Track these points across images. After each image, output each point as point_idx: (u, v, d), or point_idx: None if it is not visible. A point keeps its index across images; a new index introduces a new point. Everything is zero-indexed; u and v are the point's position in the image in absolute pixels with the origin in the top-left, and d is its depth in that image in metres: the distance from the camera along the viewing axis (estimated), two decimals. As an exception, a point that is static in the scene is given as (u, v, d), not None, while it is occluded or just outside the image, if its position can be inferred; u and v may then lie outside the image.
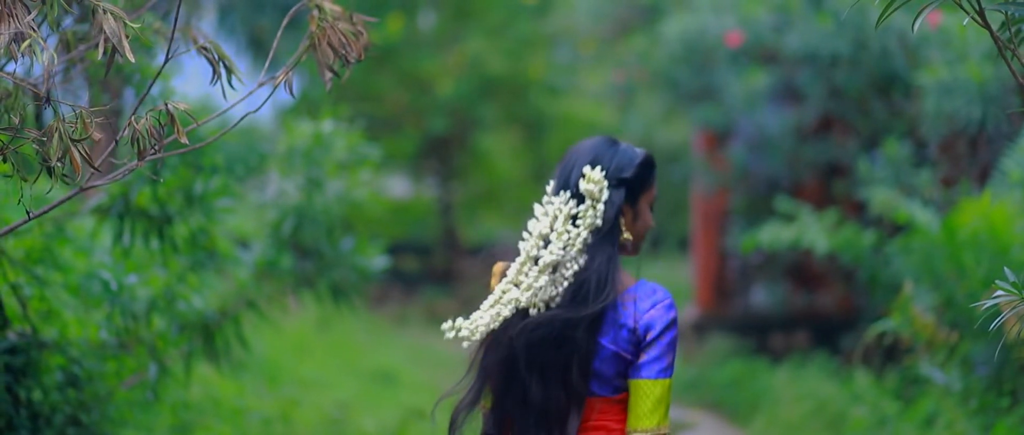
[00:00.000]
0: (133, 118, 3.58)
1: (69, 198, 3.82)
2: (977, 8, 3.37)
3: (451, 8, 19.81)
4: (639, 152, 4.01)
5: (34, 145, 3.72)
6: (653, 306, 3.91)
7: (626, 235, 3.96)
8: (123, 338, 7.01)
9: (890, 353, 9.94)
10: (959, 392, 7.74)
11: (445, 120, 19.38)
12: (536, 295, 3.94)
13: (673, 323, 3.93)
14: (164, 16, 6.24)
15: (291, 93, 3.97)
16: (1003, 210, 7.80)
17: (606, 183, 3.93)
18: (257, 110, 3.99)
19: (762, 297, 13.79)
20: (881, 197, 9.35)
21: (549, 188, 4.06)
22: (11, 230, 3.88)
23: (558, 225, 3.96)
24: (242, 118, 3.98)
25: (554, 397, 3.92)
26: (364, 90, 18.79)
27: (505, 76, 19.41)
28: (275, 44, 4.00)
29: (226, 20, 16.68)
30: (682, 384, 12.58)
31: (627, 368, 3.93)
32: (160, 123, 3.70)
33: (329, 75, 3.94)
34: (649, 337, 3.89)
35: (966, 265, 7.98)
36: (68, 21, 4.78)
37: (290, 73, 3.97)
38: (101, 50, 3.26)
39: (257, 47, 17.00)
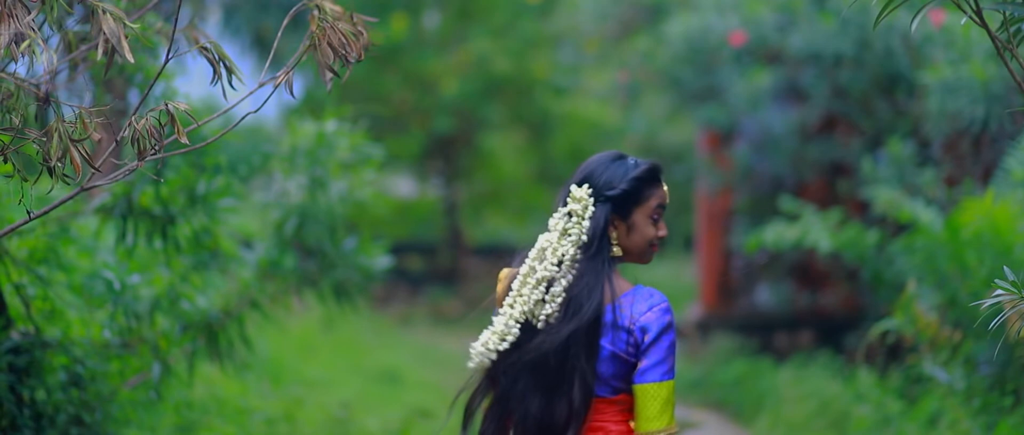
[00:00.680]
0: (133, 118, 3.59)
1: (70, 198, 3.83)
2: (974, 8, 3.37)
3: (456, 8, 19.82)
4: (638, 167, 4.11)
5: (36, 145, 3.73)
6: (649, 309, 4.02)
7: (616, 250, 4.09)
8: (126, 338, 7.02)
9: (894, 352, 9.94)
10: (962, 391, 7.74)
11: (450, 120, 19.39)
12: (534, 310, 4.07)
13: (670, 326, 4.02)
14: (169, 17, 6.26)
15: (291, 93, 3.98)
16: (1006, 209, 7.80)
17: (590, 200, 4.07)
18: (257, 110, 4.00)
19: (766, 296, 13.79)
20: (884, 196, 9.34)
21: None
22: (12, 230, 3.89)
23: (554, 240, 4.11)
24: (242, 118, 3.99)
25: (555, 412, 4.03)
26: (369, 90, 18.81)
27: (510, 76, 19.42)
28: (275, 44, 4.00)
29: (231, 20, 16.74)
30: (686, 383, 12.58)
31: (626, 370, 4.05)
32: (160, 123, 3.71)
33: (329, 75, 3.94)
34: (647, 340, 4.00)
35: (969, 264, 7.98)
36: (72, 22, 4.79)
37: (291, 73, 3.98)
38: (100, 50, 3.27)
39: (262, 47, 17.04)
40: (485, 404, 4.22)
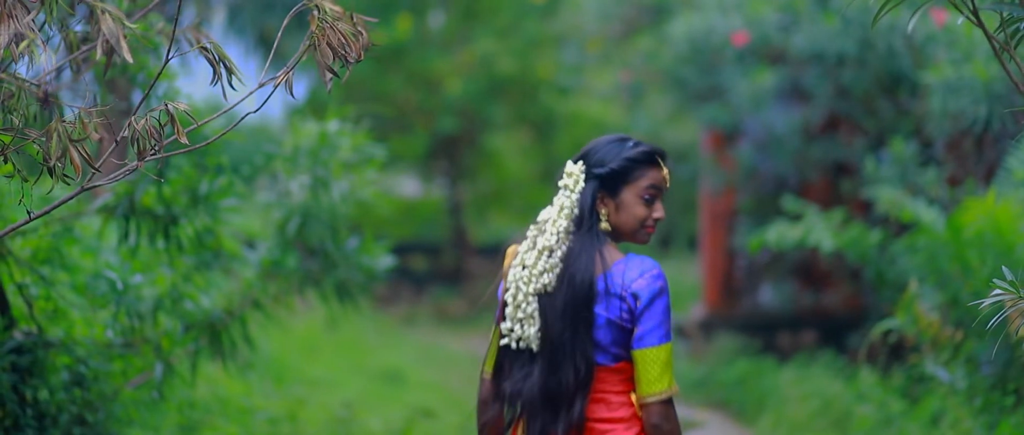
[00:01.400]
0: (133, 119, 3.60)
1: (70, 199, 3.84)
2: (972, 8, 3.38)
3: (460, 8, 19.84)
4: (636, 148, 4.25)
5: (36, 145, 3.74)
6: (640, 275, 4.15)
7: (604, 225, 4.24)
8: (129, 338, 7.03)
9: (896, 352, 9.95)
10: (964, 391, 7.74)
11: (454, 120, 19.41)
12: (537, 278, 4.21)
13: (662, 291, 4.14)
14: (172, 17, 6.27)
15: (291, 93, 3.98)
16: (1007, 209, 7.80)
17: (582, 176, 4.25)
18: (257, 110, 4.01)
19: (769, 296, 13.79)
20: (887, 196, 9.35)
21: None
22: (12, 230, 3.90)
23: (554, 214, 4.28)
24: (241, 118, 4.00)
25: (561, 381, 4.16)
26: (374, 90, 18.84)
27: (514, 76, 19.44)
28: (275, 45, 4.01)
29: (235, 21, 16.75)
30: (690, 383, 12.58)
31: (624, 337, 4.18)
32: (160, 124, 3.72)
33: (329, 75, 3.95)
34: (640, 305, 4.13)
35: (971, 264, 7.98)
36: (76, 23, 4.80)
37: (291, 73, 3.99)
38: (100, 51, 3.29)
39: (266, 47, 17.06)
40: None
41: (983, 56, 8.42)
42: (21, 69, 3.93)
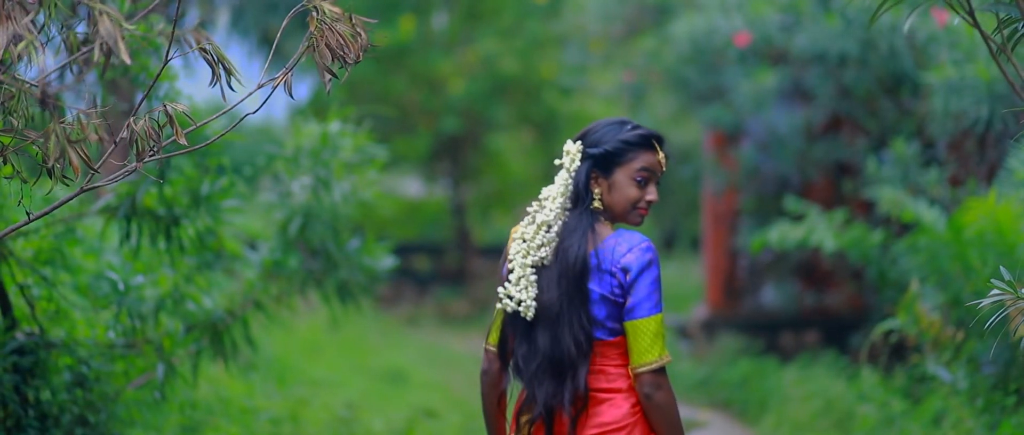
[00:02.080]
0: (132, 120, 3.61)
1: (69, 200, 3.85)
2: (968, 9, 3.38)
3: (463, 9, 19.85)
4: (632, 131, 4.37)
5: (36, 146, 3.75)
6: (630, 250, 4.28)
7: (596, 203, 4.37)
8: (131, 338, 7.04)
9: (898, 352, 9.95)
10: (966, 391, 7.74)
11: (457, 120, 19.42)
12: (534, 251, 4.37)
13: (651, 263, 4.26)
14: (178, 18, 6.29)
15: (290, 94, 3.99)
16: (1009, 209, 7.80)
17: (578, 155, 4.39)
18: (256, 111, 4.02)
19: (772, 296, 13.79)
20: (889, 196, 9.35)
21: None
22: (12, 231, 3.91)
23: (555, 192, 4.43)
24: (240, 119, 4.01)
25: (563, 347, 4.30)
26: (377, 90, 18.86)
27: (517, 76, 19.44)
28: (274, 45, 4.02)
29: (239, 21, 16.76)
30: (692, 383, 12.59)
31: (618, 311, 4.32)
32: (158, 125, 3.73)
33: (328, 76, 3.96)
34: (629, 278, 4.26)
35: (972, 264, 7.99)
36: (79, 24, 4.81)
37: (290, 74, 4.00)
38: (97, 52, 3.30)
39: (270, 48, 17.07)
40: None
41: (985, 56, 8.43)
42: (27, 71, 3.95)
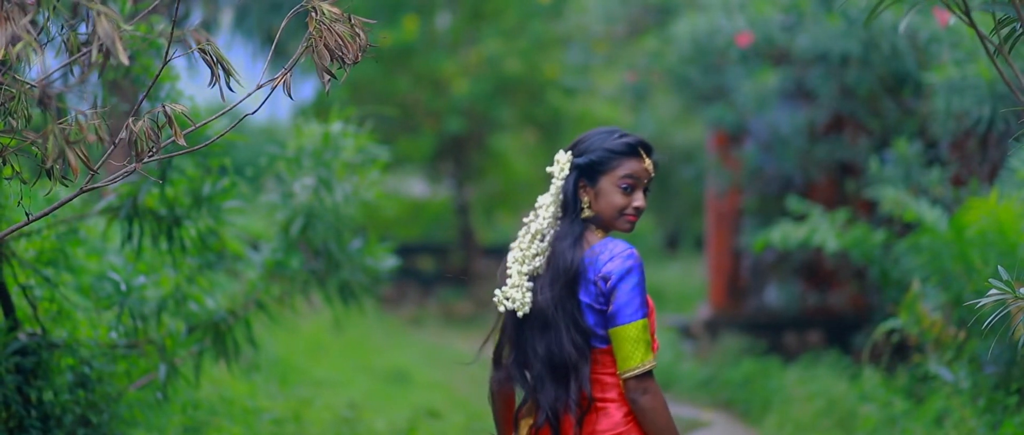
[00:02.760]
0: (131, 120, 3.62)
1: (67, 201, 3.87)
2: (964, 8, 3.39)
3: (467, 9, 19.85)
4: (618, 139, 4.44)
5: (35, 147, 3.76)
6: (611, 258, 4.33)
7: (586, 212, 4.44)
8: (133, 339, 7.05)
9: (901, 352, 9.95)
10: (967, 390, 7.75)
11: (461, 120, 19.42)
12: (529, 260, 4.45)
13: (631, 270, 4.31)
14: (178, 20, 6.30)
15: (289, 95, 4.00)
16: (1010, 209, 7.81)
17: (567, 164, 4.47)
18: (255, 112, 4.03)
19: (775, 296, 13.79)
20: (891, 196, 9.36)
21: None
22: (12, 232, 3.92)
23: (548, 200, 4.52)
24: (240, 120, 4.02)
25: (563, 350, 4.36)
26: (381, 91, 18.86)
27: (521, 76, 19.44)
28: (273, 46, 4.03)
29: (242, 22, 16.77)
30: (695, 383, 12.60)
31: (604, 319, 4.37)
32: (157, 125, 3.74)
33: (326, 77, 3.97)
34: (609, 285, 4.32)
35: (974, 264, 7.99)
36: (81, 24, 4.82)
37: (288, 75, 4.00)
38: (94, 53, 3.30)
39: (275, 49, 17.04)
40: (505, 356, 4.58)
41: (987, 56, 8.42)
42: (29, 72, 3.96)
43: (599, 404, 4.38)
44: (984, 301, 3.96)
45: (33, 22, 3.62)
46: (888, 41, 10.26)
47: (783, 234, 10.96)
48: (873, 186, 10.27)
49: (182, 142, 3.75)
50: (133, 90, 6.87)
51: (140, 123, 3.65)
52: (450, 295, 20.21)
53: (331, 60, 3.94)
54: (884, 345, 9.91)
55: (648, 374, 4.28)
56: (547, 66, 19.68)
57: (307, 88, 19.81)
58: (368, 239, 8.07)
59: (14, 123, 3.74)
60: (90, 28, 3.43)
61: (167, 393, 7.17)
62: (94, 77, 6.08)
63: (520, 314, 4.42)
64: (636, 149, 4.42)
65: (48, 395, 6.44)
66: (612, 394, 4.38)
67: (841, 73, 11.27)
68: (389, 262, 8.10)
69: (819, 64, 11.34)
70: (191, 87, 6.97)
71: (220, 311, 7.51)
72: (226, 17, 16.76)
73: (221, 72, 3.93)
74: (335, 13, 4.03)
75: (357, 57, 3.98)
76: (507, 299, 4.43)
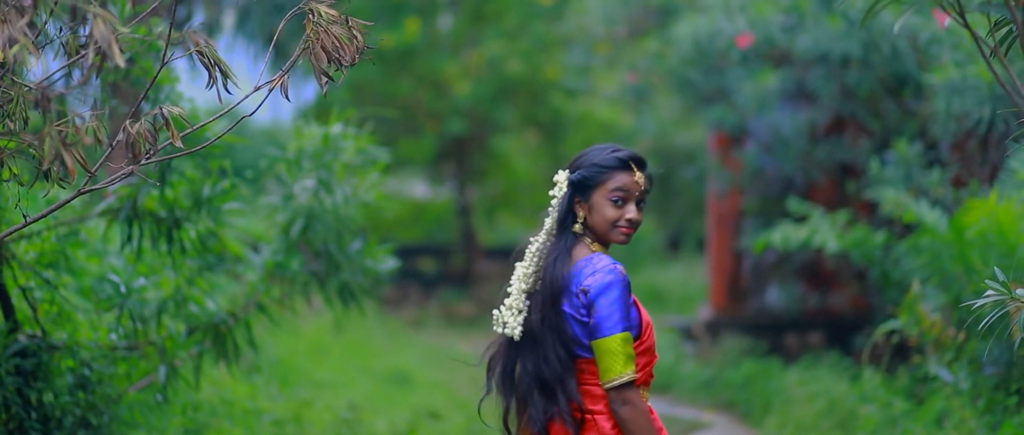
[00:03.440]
0: (128, 122, 3.62)
1: (65, 203, 3.88)
2: (958, 10, 3.39)
3: (468, 11, 19.86)
4: (610, 154, 4.55)
5: (33, 149, 3.77)
6: (593, 273, 4.45)
7: (578, 226, 4.57)
8: (133, 341, 7.06)
9: (901, 352, 9.95)
10: (967, 391, 7.75)
11: (463, 122, 19.43)
12: (528, 279, 4.59)
13: (611, 285, 4.41)
14: (180, 22, 6.31)
15: (286, 97, 4.01)
16: (1010, 209, 7.81)
17: (565, 182, 4.59)
18: (252, 113, 4.04)
19: (776, 297, 13.79)
20: (891, 197, 9.36)
21: None
22: (10, 234, 3.93)
23: (550, 220, 4.66)
24: (238, 121, 4.02)
25: (549, 368, 4.49)
26: (383, 92, 18.88)
27: (522, 78, 19.45)
28: (271, 47, 4.05)
29: (245, 24, 16.78)
30: (696, 384, 12.60)
31: (588, 332, 4.48)
32: (154, 127, 3.75)
33: (324, 79, 3.98)
34: (589, 298, 4.44)
35: (973, 265, 7.99)
36: (81, 26, 4.83)
37: (286, 76, 4.01)
38: (91, 55, 3.31)
39: (276, 51, 17.10)
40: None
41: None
42: (35, 73, 3.96)
43: (588, 415, 4.49)
44: (980, 302, 3.97)
45: (32, 24, 3.63)
46: (888, 42, 10.26)
47: (784, 235, 10.98)
48: (874, 187, 10.27)
49: (179, 144, 3.76)
50: (134, 92, 6.87)
51: (137, 125, 3.66)
52: (451, 296, 20.22)
53: (328, 62, 3.95)
54: (884, 346, 9.91)
55: (627, 385, 4.39)
56: (548, 67, 19.69)
57: (310, 90, 19.83)
58: (368, 241, 8.08)
59: (12, 125, 3.75)
60: (89, 30, 3.43)
61: (167, 395, 7.17)
62: (95, 79, 6.09)
63: (513, 335, 4.57)
64: (627, 163, 4.54)
65: (48, 397, 6.44)
66: (601, 406, 4.48)
67: (842, 74, 11.27)
68: (389, 264, 8.11)
69: (820, 65, 11.35)
70: (192, 89, 6.98)
71: (220, 313, 7.52)
72: (228, 19, 16.77)
73: (219, 74, 3.93)
74: (332, 15, 4.04)
75: (354, 59, 3.99)
76: (504, 323, 4.59)
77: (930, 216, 8.64)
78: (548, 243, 4.60)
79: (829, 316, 13.40)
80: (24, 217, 3.90)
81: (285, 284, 7.85)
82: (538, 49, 19.40)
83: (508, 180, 21.68)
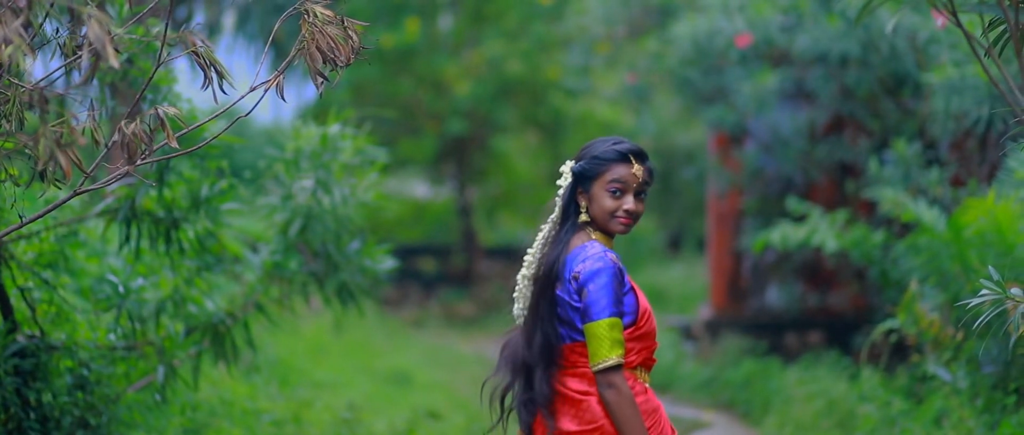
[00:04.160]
0: (123, 123, 3.63)
1: (61, 204, 3.88)
2: (950, 10, 3.40)
3: (469, 11, 19.87)
4: (611, 147, 4.68)
5: (28, 150, 3.78)
6: (584, 260, 4.57)
7: (582, 216, 4.68)
8: (132, 341, 7.06)
9: (900, 352, 9.95)
10: (966, 390, 7.76)
11: (463, 122, 19.44)
12: (533, 266, 4.75)
13: (600, 271, 4.54)
14: (179, 22, 6.32)
15: (282, 97, 4.02)
16: (1008, 209, 7.81)
17: (569, 174, 4.73)
18: (248, 114, 4.05)
19: (776, 297, 13.79)
20: (890, 197, 9.36)
21: None
22: (7, 234, 3.94)
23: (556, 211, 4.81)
24: (234, 122, 4.03)
25: (531, 350, 4.65)
26: (384, 92, 18.88)
27: (522, 78, 19.46)
28: (267, 47, 4.05)
29: (245, 25, 16.80)
30: (696, 384, 12.60)
31: (579, 315, 4.61)
32: (150, 128, 3.76)
33: (319, 79, 3.99)
34: (579, 284, 4.57)
35: (971, 264, 8.00)
36: (79, 27, 4.83)
37: (281, 77, 4.02)
38: (86, 56, 3.32)
39: (277, 51, 17.11)
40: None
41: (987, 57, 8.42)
42: (34, 74, 3.97)
43: (580, 396, 4.61)
44: (976, 301, 3.98)
45: (28, 25, 3.63)
46: (887, 42, 10.27)
47: (783, 235, 10.98)
48: (873, 187, 10.28)
49: (174, 144, 3.77)
50: (132, 93, 6.88)
51: (132, 126, 3.66)
52: (452, 296, 20.22)
53: (323, 62, 3.96)
54: (883, 345, 9.92)
55: (613, 369, 4.50)
56: (548, 67, 19.70)
57: (312, 90, 19.83)
58: (367, 240, 8.08)
59: (8, 126, 3.75)
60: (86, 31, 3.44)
61: (166, 395, 7.18)
62: (94, 80, 6.10)
63: (517, 322, 4.75)
64: (626, 156, 4.66)
65: (47, 397, 6.45)
66: (594, 388, 4.60)
67: (840, 74, 11.28)
68: (387, 263, 8.11)
69: (818, 65, 11.35)
70: (192, 90, 6.97)
71: (219, 313, 7.53)
72: (229, 20, 16.79)
73: (215, 74, 3.94)
74: (328, 16, 4.05)
75: (349, 59, 4.00)
76: (518, 317, 4.77)
77: (929, 215, 8.64)
78: (551, 231, 4.74)
79: (828, 315, 13.40)
80: (20, 217, 3.90)
81: (284, 284, 7.85)
82: (538, 49, 19.40)
83: (508, 180, 21.69)
